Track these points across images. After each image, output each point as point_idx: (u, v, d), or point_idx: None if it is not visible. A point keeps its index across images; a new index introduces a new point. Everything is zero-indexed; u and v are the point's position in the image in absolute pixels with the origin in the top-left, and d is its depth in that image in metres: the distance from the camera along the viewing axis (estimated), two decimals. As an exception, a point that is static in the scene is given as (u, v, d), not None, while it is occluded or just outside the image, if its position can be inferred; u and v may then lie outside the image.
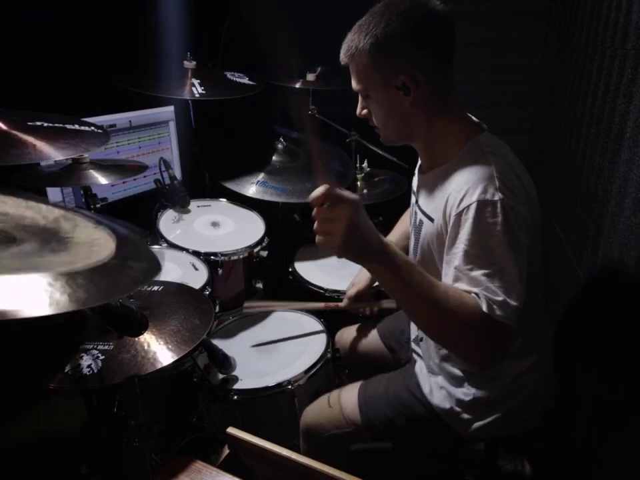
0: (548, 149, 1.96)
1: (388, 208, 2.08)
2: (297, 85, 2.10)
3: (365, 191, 2.11)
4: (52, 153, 0.99)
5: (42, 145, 0.98)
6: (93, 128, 1.14)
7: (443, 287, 0.88)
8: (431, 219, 1.03)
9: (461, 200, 0.91)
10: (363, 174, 2.13)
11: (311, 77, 2.12)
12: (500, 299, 0.85)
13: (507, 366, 1.08)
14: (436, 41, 0.98)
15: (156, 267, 0.71)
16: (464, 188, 0.92)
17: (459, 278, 0.89)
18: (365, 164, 2.14)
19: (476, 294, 0.86)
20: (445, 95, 1.02)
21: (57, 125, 1.09)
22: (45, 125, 1.07)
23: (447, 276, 0.93)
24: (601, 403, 1.19)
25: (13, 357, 1.05)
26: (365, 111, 1.08)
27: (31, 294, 0.55)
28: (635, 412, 1.03)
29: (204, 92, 1.81)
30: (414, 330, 1.27)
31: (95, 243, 0.71)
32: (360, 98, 1.08)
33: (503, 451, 1.61)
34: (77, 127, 1.12)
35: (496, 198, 0.89)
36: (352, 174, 2.10)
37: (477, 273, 0.87)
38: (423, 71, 0.97)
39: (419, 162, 1.18)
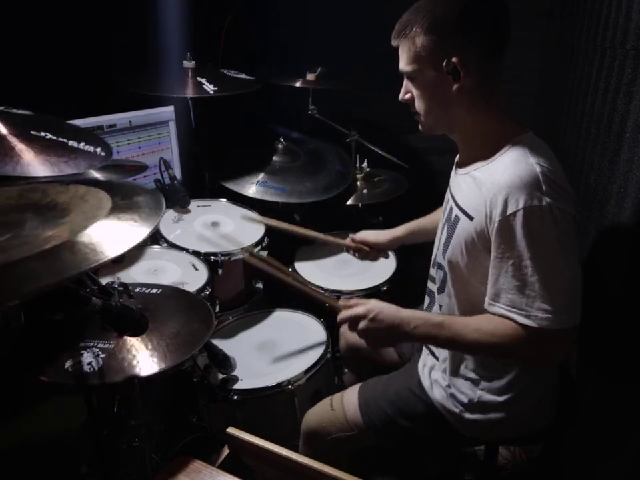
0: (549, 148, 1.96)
1: (388, 208, 2.09)
2: (297, 85, 2.10)
3: (364, 190, 2.11)
4: (37, 169, 0.94)
5: (30, 159, 0.94)
6: (97, 149, 1.10)
7: (472, 327, 0.97)
8: (470, 217, 1.01)
9: (506, 204, 0.91)
10: (363, 174, 2.14)
11: (310, 76, 2.12)
12: (548, 307, 0.89)
13: (515, 374, 1.08)
14: (493, 30, 0.97)
15: (154, 194, 0.78)
16: (508, 192, 0.91)
17: (512, 293, 0.93)
18: (365, 164, 2.14)
19: (518, 311, 0.91)
20: (490, 88, 1.01)
21: (60, 139, 1.06)
22: (48, 136, 1.04)
23: (498, 282, 0.95)
24: (601, 404, 1.19)
25: (13, 355, 1.05)
26: (407, 95, 1.07)
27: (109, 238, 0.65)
28: (635, 412, 1.03)
29: (216, 89, 1.81)
30: None
31: (82, 196, 0.75)
32: (405, 81, 1.07)
33: (503, 450, 1.61)
34: (81, 145, 1.08)
35: (544, 203, 0.88)
36: (352, 174, 2.10)
37: (526, 289, 0.91)
38: (475, 58, 0.96)
39: (457, 156, 1.17)
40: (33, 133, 1.02)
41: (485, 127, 1.03)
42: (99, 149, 1.09)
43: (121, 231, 0.67)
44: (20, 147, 0.97)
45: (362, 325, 1.03)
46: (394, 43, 1.04)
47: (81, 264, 0.60)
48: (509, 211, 0.90)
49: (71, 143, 1.07)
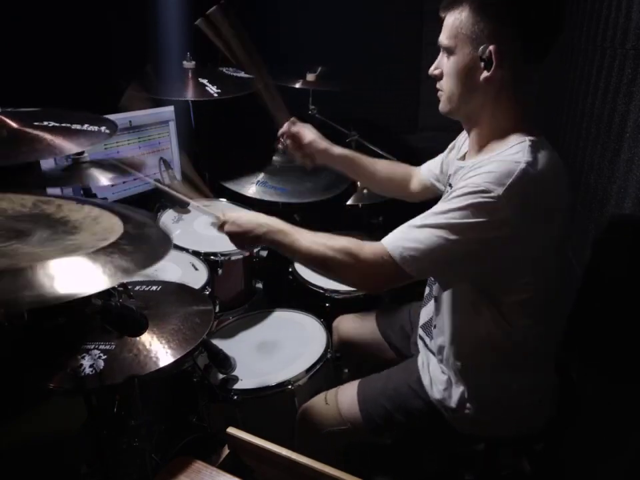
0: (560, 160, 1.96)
1: (388, 208, 2.08)
2: (297, 86, 2.10)
3: (364, 191, 2.10)
4: (67, 147, 1.01)
5: (56, 140, 1.00)
6: (101, 128, 1.13)
7: (315, 235, 1.06)
8: None
9: (471, 177, 0.92)
10: (363, 174, 2.13)
11: (310, 77, 2.12)
12: (413, 252, 0.93)
13: (514, 373, 1.08)
14: (541, 29, 0.94)
15: (164, 232, 0.79)
16: (479, 173, 0.92)
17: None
18: (365, 164, 2.14)
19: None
20: (520, 89, 0.99)
21: (63, 124, 1.09)
22: (51, 124, 1.07)
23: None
24: (601, 404, 1.19)
25: (13, 356, 1.05)
26: (437, 71, 1.05)
27: (93, 272, 0.63)
28: (635, 412, 1.03)
29: (219, 91, 1.80)
30: (423, 317, 1.26)
31: (95, 218, 0.75)
32: (440, 55, 1.05)
33: (503, 450, 1.61)
34: (85, 127, 1.11)
35: (495, 193, 0.88)
36: (352, 174, 2.09)
37: (413, 226, 0.96)
38: (515, 55, 0.94)
39: (464, 148, 1.16)
40: (36, 123, 1.05)
41: (501, 124, 1.01)
42: (103, 127, 1.13)
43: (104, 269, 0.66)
44: (38, 133, 1.01)
45: (225, 227, 1.13)
46: (441, 13, 1.01)
47: (81, 285, 0.59)
48: (469, 181, 0.91)
49: (74, 126, 1.09)
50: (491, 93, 0.99)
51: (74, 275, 0.60)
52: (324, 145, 1.43)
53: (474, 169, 0.96)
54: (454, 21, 0.98)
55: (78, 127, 1.10)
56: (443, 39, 1.01)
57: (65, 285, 0.58)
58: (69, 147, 1.02)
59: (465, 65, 0.98)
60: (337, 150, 1.44)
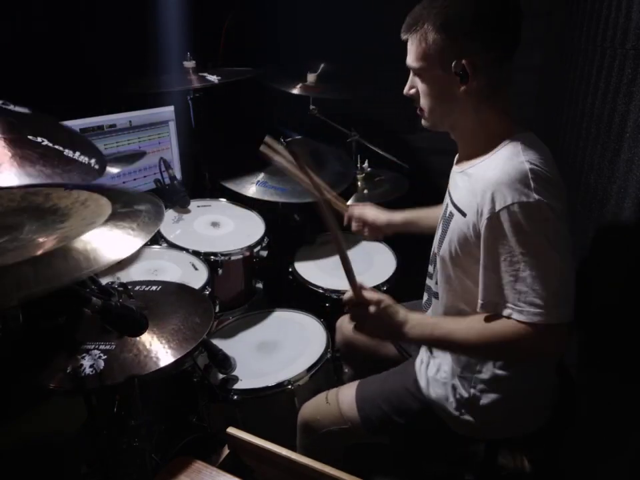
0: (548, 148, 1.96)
1: (388, 208, 2.08)
2: (296, 92, 2.09)
3: (365, 191, 2.10)
4: (30, 179, 0.89)
5: (26, 169, 0.89)
6: (91, 161, 1.07)
7: (464, 325, 0.98)
8: (464, 214, 1.01)
9: (494, 201, 0.91)
10: (363, 174, 2.13)
11: (311, 77, 2.12)
12: (540, 302, 0.89)
13: (511, 374, 1.08)
14: (505, 32, 0.96)
15: (156, 203, 0.78)
16: (495, 188, 0.91)
17: (505, 289, 0.92)
18: (365, 164, 2.14)
19: (511, 306, 0.91)
20: (497, 90, 1.00)
21: (56, 147, 1.03)
22: (45, 143, 1.01)
23: (489, 280, 0.95)
24: (601, 404, 1.19)
25: (13, 357, 1.05)
26: (412, 91, 1.06)
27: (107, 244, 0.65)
28: (635, 412, 1.03)
29: (220, 77, 1.87)
30: None
31: (84, 202, 0.75)
32: (411, 76, 1.06)
33: (503, 451, 1.61)
34: (77, 155, 1.05)
35: (532, 200, 0.88)
36: (352, 174, 2.10)
37: (518, 285, 0.90)
38: (485, 61, 0.95)
39: (457, 155, 1.17)
40: (30, 137, 0.99)
41: (486, 127, 1.02)
42: (92, 161, 1.06)
43: (117, 239, 0.66)
44: (16, 154, 0.93)
45: (371, 309, 1.02)
46: (403, 36, 1.02)
47: (74, 271, 0.59)
48: (497, 208, 0.90)
49: (66, 152, 1.04)
50: (471, 101, 1.00)
51: (61, 266, 0.60)
52: (385, 218, 1.47)
53: (478, 180, 0.97)
54: (419, 42, 0.98)
55: (70, 153, 1.03)
56: (411, 61, 1.01)
57: (52, 277, 0.58)
58: (55, 179, 0.93)
59: (441, 83, 0.99)
60: (398, 218, 1.47)
